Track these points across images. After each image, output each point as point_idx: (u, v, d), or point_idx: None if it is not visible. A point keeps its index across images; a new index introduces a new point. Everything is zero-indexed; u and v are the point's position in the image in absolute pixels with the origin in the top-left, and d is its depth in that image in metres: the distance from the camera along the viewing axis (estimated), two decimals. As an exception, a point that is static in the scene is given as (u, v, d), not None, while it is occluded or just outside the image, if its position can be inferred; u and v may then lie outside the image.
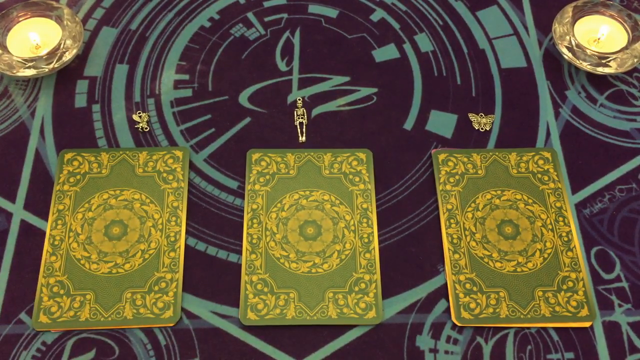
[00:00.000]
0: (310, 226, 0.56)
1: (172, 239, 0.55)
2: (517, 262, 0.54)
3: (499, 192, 0.58)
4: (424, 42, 0.67)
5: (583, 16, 0.65)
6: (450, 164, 0.59)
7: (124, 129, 0.61)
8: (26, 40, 0.63)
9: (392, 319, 0.53)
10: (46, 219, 0.56)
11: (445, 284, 0.54)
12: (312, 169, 0.59)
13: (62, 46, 0.62)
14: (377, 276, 0.54)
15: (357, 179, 0.58)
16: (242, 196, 0.58)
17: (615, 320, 0.53)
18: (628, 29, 0.64)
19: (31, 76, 0.61)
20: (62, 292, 0.53)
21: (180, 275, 0.53)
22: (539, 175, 0.59)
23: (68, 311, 0.52)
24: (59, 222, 0.55)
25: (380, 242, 0.56)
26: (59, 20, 0.63)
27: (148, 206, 0.56)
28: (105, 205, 0.56)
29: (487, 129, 0.62)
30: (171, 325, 0.52)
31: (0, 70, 0.60)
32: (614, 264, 0.55)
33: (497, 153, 0.60)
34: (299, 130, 0.61)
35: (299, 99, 0.63)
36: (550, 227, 0.56)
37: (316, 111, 0.63)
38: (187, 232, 0.56)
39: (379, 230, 0.56)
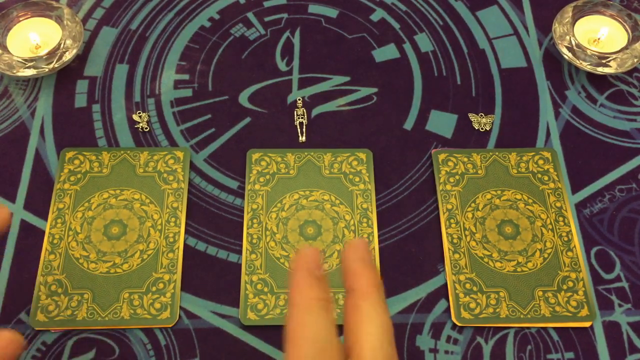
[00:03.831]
0: (310, 226, 0.56)
1: (171, 239, 0.55)
2: (517, 262, 0.54)
3: (499, 192, 0.58)
4: (424, 42, 0.67)
5: (583, 16, 0.65)
6: (450, 164, 0.59)
7: (124, 129, 0.61)
8: (26, 40, 0.63)
9: (392, 318, 0.52)
10: (46, 219, 0.56)
11: (445, 284, 0.54)
12: (312, 169, 0.59)
13: (62, 46, 0.62)
14: (377, 276, 0.54)
15: (357, 179, 0.58)
16: (242, 196, 0.58)
17: (615, 320, 0.53)
18: (628, 29, 0.64)
19: (31, 76, 0.61)
20: (60, 290, 0.52)
21: (178, 277, 0.53)
22: (539, 175, 0.59)
23: (65, 310, 0.52)
24: (59, 220, 0.55)
25: (380, 242, 0.56)
26: (59, 20, 0.63)
27: (148, 206, 0.56)
28: (105, 204, 0.56)
29: (487, 129, 0.62)
30: (169, 326, 0.52)
31: (0, 70, 0.60)
32: (614, 264, 0.55)
33: (497, 153, 0.60)
34: (299, 130, 0.61)
35: (299, 99, 0.63)
36: (550, 227, 0.56)
37: (316, 111, 0.63)
38: (187, 232, 0.56)
39: (379, 230, 0.56)
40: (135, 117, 0.62)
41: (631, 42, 0.63)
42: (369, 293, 0.34)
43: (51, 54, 0.61)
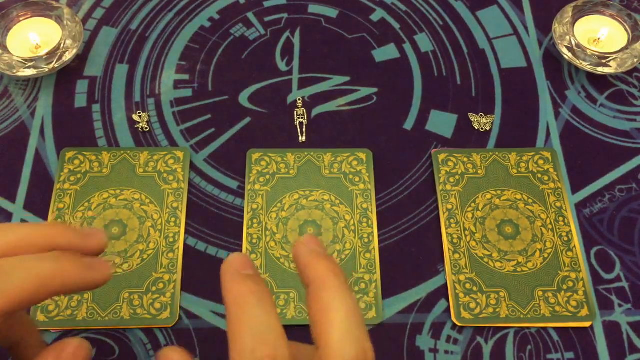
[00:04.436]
0: (310, 226, 0.56)
1: (171, 239, 0.55)
2: (517, 262, 0.54)
3: (499, 192, 0.58)
4: (424, 42, 0.67)
5: (583, 16, 0.65)
6: (450, 164, 0.59)
7: (124, 129, 0.61)
8: (26, 40, 0.63)
9: (392, 319, 0.53)
10: (46, 219, 0.56)
11: (445, 284, 0.54)
12: (312, 169, 0.59)
13: (62, 46, 0.62)
14: (377, 276, 0.54)
15: (357, 179, 0.58)
16: (242, 196, 0.58)
17: (615, 320, 0.53)
18: (628, 29, 0.64)
19: (31, 76, 0.61)
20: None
21: (178, 277, 0.53)
22: (539, 175, 0.59)
23: (65, 310, 0.52)
24: (59, 220, 0.55)
25: (380, 242, 0.56)
26: (59, 20, 0.63)
27: (148, 206, 0.56)
28: (105, 204, 0.56)
29: (487, 129, 0.62)
30: (169, 326, 0.52)
31: (0, 70, 0.60)
32: (614, 264, 0.55)
33: (497, 153, 0.60)
34: (299, 130, 0.61)
35: (299, 99, 0.63)
36: (550, 227, 0.56)
37: (316, 111, 0.63)
38: (187, 232, 0.56)
39: (379, 230, 0.56)
40: (135, 117, 0.62)
41: (631, 42, 0.63)
42: (325, 281, 0.32)
43: (51, 54, 0.61)
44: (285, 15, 0.69)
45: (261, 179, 0.58)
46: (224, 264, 0.34)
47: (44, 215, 0.56)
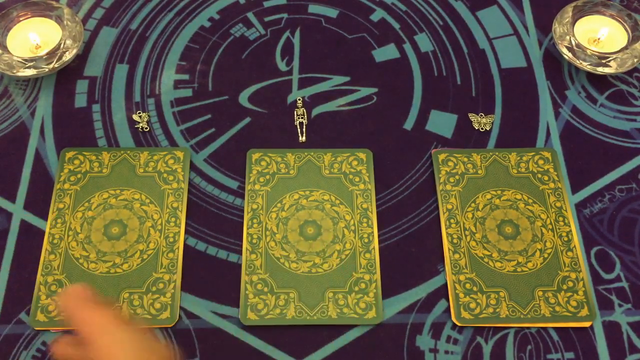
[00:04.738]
0: (310, 226, 0.56)
1: (171, 239, 0.55)
2: (517, 262, 0.54)
3: (499, 192, 0.58)
4: (424, 42, 0.67)
5: (583, 16, 0.65)
6: (450, 164, 0.59)
7: (124, 129, 0.61)
8: (26, 40, 0.63)
9: (392, 319, 0.53)
10: (46, 219, 0.56)
11: (445, 284, 0.54)
12: (312, 169, 0.59)
13: (62, 46, 0.62)
14: (377, 276, 0.54)
15: (357, 179, 0.58)
16: (242, 196, 0.58)
17: (615, 320, 0.53)
18: (628, 29, 0.64)
19: (31, 76, 0.61)
20: (59, 290, 0.53)
21: (178, 277, 0.53)
22: (539, 175, 0.59)
23: (66, 310, 0.52)
24: (59, 220, 0.55)
25: (380, 242, 0.56)
26: (59, 20, 0.63)
27: (148, 206, 0.56)
28: (105, 204, 0.56)
29: (487, 129, 0.62)
30: (169, 326, 0.52)
31: (0, 70, 0.60)
32: (614, 264, 0.55)
33: (497, 153, 0.60)
34: (299, 130, 0.61)
35: (299, 99, 0.63)
36: (550, 227, 0.56)
37: (316, 111, 0.63)
38: (187, 232, 0.56)
39: (379, 230, 0.56)
40: (135, 117, 0.62)
41: (631, 42, 0.63)
42: (103, 328, 0.37)
43: (51, 54, 0.61)
44: (285, 15, 0.69)
45: (261, 179, 0.58)
46: (64, 296, 0.39)
47: (44, 215, 0.56)
